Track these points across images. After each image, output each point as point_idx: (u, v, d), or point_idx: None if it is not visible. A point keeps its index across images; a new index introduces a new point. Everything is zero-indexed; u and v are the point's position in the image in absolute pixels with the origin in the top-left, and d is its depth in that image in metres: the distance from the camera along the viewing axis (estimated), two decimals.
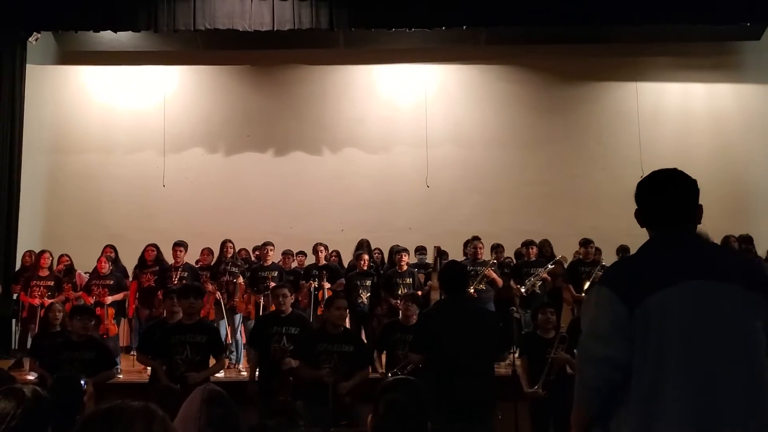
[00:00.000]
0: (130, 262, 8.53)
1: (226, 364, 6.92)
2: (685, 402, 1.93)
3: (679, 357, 1.95)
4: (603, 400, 2.05)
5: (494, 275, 7.98)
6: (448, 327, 4.04)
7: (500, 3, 9.69)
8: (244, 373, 7.06)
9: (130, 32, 10.26)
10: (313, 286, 7.84)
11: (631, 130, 11.42)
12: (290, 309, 5.66)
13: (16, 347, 8.50)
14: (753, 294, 2.00)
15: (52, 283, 8.03)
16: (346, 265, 8.88)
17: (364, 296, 7.85)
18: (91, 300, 7.53)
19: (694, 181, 2.17)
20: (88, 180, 11.22)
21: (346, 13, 9.61)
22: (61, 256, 8.86)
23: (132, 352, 7.61)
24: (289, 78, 11.68)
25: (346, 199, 11.22)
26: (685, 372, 1.94)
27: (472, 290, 7.53)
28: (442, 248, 8.63)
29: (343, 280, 8.13)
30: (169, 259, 8.12)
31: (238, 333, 7.98)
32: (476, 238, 8.32)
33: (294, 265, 8.53)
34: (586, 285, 7.75)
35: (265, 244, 8.24)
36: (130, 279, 8.29)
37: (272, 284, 7.27)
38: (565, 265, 8.50)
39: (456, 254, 8.73)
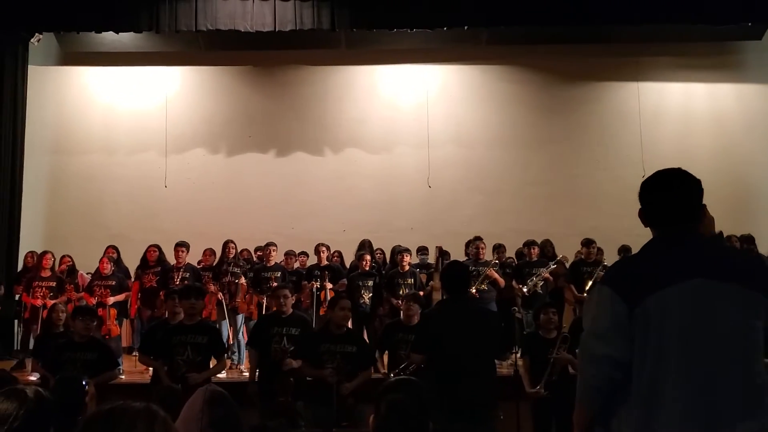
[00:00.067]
0: (132, 263, 8.55)
1: (228, 364, 6.93)
2: (685, 402, 1.93)
3: (678, 357, 1.96)
4: (604, 399, 2.06)
5: (496, 275, 7.96)
6: (450, 327, 4.03)
7: (501, 3, 9.71)
8: (246, 374, 7.05)
9: (131, 33, 10.28)
10: (315, 286, 7.85)
11: (632, 130, 11.42)
12: (291, 310, 5.65)
13: (19, 348, 8.48)
14: (753, 293, 1.99)
15: (54, 284, 8.01)
16: (348, 265, 8.90)
17: (366, 296, 7.86)
18: (93, 301, 7.54)
19: (698, 181, 2.16)
20: (90, 181, 11.23)
21: (347, 13, 9.63)
22: (63, 256, 8.87)
23: (134, 353, 7.62)
24: (290, 78, 11.69)
25: (347, 200, 11.22)
26: (684, 372, 1.95)
27: (473, 290, 7.50)
28: (444, 248, 8.62)
29: (345, 281, 8.14)
30: (171, 259, 8.11)
31: (240, 334, 7.97)
32: (478, 239, 8.30)
33: (296, 265, 8.53)
34: (588, 285, 7.75)
35: (268, 244, 8.24)
36: (132, 279, 8.31)
37: (275, 285, 7.27)
38: (567, 265, 8.50)
39: (458, 254, 8.71)
